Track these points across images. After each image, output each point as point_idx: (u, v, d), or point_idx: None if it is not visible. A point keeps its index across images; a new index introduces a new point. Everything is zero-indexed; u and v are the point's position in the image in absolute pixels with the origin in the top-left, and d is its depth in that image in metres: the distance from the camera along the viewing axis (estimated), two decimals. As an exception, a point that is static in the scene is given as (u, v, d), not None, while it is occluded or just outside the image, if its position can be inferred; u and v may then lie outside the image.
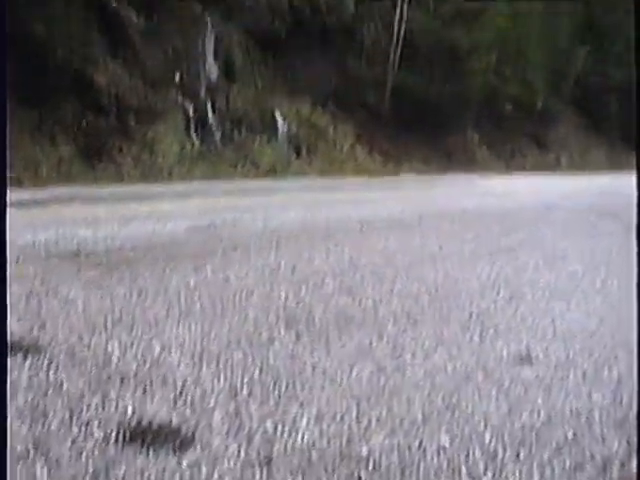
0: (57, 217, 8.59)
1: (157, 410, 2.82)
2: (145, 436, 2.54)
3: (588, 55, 40.24)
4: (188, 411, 2.83)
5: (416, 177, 27.03)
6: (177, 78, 22.73)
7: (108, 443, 2.48)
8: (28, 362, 3.31)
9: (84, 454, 2.38)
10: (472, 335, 4.09)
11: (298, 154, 25.45)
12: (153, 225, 8.37)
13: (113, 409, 2.82)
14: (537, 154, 40.26)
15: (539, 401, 3.08)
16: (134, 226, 8.24)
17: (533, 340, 4.06)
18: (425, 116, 30.98)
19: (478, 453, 2.51)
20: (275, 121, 25.33)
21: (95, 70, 19.05)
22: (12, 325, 3.89)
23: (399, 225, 9.39)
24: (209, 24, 24.14)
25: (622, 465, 2.44)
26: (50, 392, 2.97)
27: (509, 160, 37.48)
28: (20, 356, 3.36)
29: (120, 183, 17.53)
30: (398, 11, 29.44)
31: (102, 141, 18.28)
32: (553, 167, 38.81)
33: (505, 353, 3.78)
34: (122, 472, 2.26)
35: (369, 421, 2.77)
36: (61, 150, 17.43)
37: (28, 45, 16.12)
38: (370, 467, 2.37)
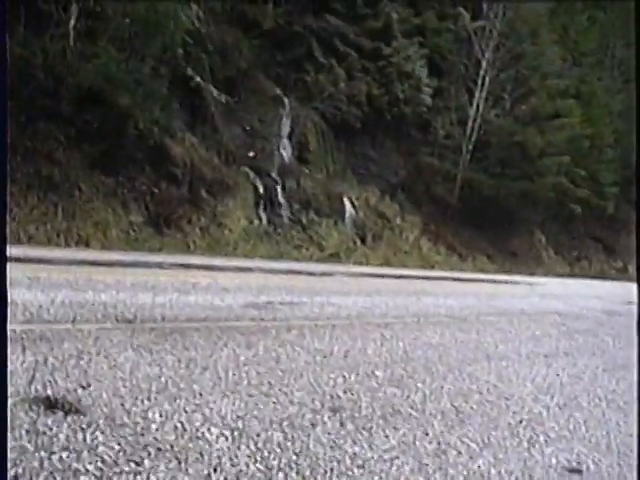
0: (119, 280, 8.73)
1: (189, 485, 2.78)
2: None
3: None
4: (220, 489, 2.78)
5: (479, 273, 26.80)
6: (251, 155, 23.25)
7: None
8: (68, 420, 3.31)
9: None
10: (521, 440, 3.95)
11: (363, 241, 25.54)
12: (212, 297, 8.42)
13: (145, 479, 2.79)
14: (604, 260, 39.64)
15: (585, 518, 2.94)
16: (193, 296, 8.30)
17: (585, 450, 3.91)
18: (493, 213, 30.95)
19: None
20: (343, 206, 25.58)
21: (173, 141, 19.62)
22: (58, 381, 3.93)
23: (457, 320, 9.26)
24: (287, 106, 24.77)
25: None
26: (84, 454, 2.95)
27: (574, 263, 36.96)
28: (61, 414, 3.37)
29: (185, 252, 17.81)
30: (474, 107, 29.76)
31: (172, 210, 18.67)
32: (620, 274, 38.13)
33: (554, 462, 3.64)
34: None
35: (404, 520, 2.67)
36: (132, 216, 17.86)
37: (112, 115, 16.76)
38: None
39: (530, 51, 30.76)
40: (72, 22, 15.77)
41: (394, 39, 27.21)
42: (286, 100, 24.70)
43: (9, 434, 2.97)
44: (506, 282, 21.64)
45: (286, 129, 25.09)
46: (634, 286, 26.60)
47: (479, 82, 29.91)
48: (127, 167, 18.05)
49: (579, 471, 3.55)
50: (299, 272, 15.37)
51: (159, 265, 12.30)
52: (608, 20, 40.71)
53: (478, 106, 29.89)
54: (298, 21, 24.29)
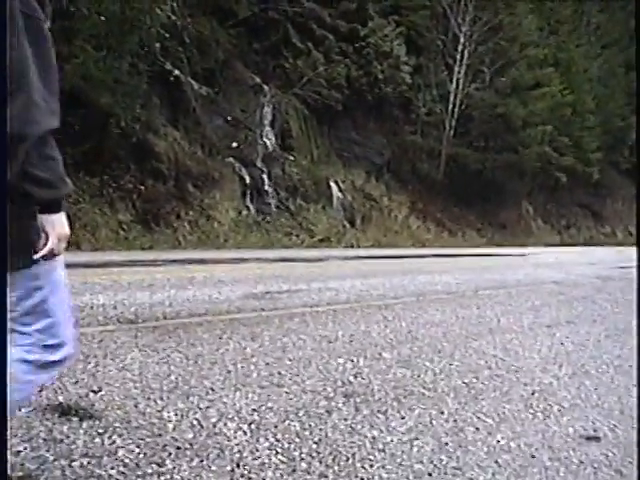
0: (115, 281, 8.69)
1: (214, 482, 2.76)
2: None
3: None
4: (245, 484, 2.77)
5: (470, 247, 26.87)
6: (235, 146, 23.16)
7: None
8: (84, 426, 3.29)
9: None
10: (535, 412, 3.96)
11: (352, 223, 25.53)
12: (210, 290, 8.40)
13: (169, 479, 2.77)
14: (592, 226, 39.81)
15: (611, 485, 2.95)
16: (191, 291, 8.28)
17: (599, 418, 3.92)
18: (479, 187, 31.00)
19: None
20: (330, 190, 25.54)
21: (156, 137, 19.52)
22: (68, 387, 3.90)
23: (456, 296, 9.27)
24: (268, 94, 24.66)
25: None
26: (105, 459, 2.93)
27: (563, 232, 37.11)
28: (76, 420, 3.35)
29: (176, 248, 17.77)
30: (454, 82, 29.73)
31: (160, 206, 18.60)
32: (609, 239, 38.32)
33: (571, 431, 3.65)
34: None
35: (432, 501, 2.67)
36: (120, 215, 17.77)
37: (93, 114, 16.63)
38: None
39: (507, 22, 30.68)
40: (48, 23, 15.58)
41: (370, 19, 27.09)
42: (266, 88, 24.58)
43: (27, 444, 2.95)
44: (498, 255, 21.70)
45: (268, 117, 24.97)
46: (623, 249, 26.74)
47: (458, 57, 29.86)
48: (112, 166, 17.94)
49: (597, 438, 3.56)
50: (293, 259, 15.35)
51: (153, 262, 12.26)
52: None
53: (458, 81, 29.86)
54: (273, 7, 24.14)
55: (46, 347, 2.22)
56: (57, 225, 2.09)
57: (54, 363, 2.25)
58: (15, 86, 1.92)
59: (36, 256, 2.07)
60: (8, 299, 2.03)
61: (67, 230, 2.13)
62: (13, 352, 2.15)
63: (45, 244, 2.07)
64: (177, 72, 20.03)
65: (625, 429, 3.75)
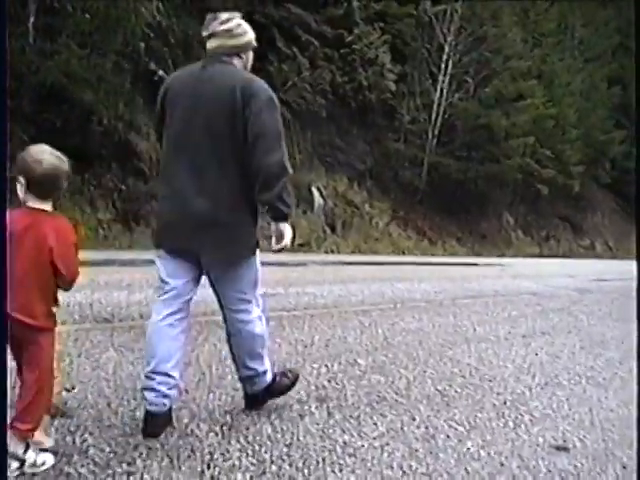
0: (92, 279, 8.64)
1: (184, 483, 2.77)
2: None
3: (624, 139, 40.45)
4: (215, 485, 2.77)
5: (450, 256, 26.97)
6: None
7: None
8: (55, 424, 3.28)
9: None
10: (507, 421, 3.99)
11: (333, 229, 25.54)
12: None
13: (139, 479, 2.77)
14: (571, 238, 40.06)
15: (577, 495, 2.98)
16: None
17: (570, 428, 3.96)
18: (461, 196, 31.12)
19: None
20: (311, 196, 25.53)
21: (138, 137, 19.43)
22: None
23: (433, 305, 9.31)
24: (251, 98, 24.62)
25: None
26: (75, 457, 2.93)
27: (543, 243, 37.33)
28: (47, 418, 3.34)
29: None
30: (438, 91, 29.86)
31: (140, 206, 18.50)
32: (588, 252, 38.59)
33: (541, 440, 3.68)
34: None
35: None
36: (100, 214, 17.66)
37: (75, 112, 16.55)
38: None
39: (491, 34, 30.82)
40: (31, 19, 15.50)
41: (356, 26, 27.11)
42: (250, 91, 24.54)
43: None
44: (477, 264, 21.81)
45: (251, 120, 24.92)
46: (603, 263, 26.94)
47: (442, 66, 29.94)
48: (93, 164, 17.81)
49: (566, 448, 3.60)
50: (271, 263, 15.32)
51: (132, 262, 12.19)
52: (567, 0, 41.03)
53: (442, 90, 29.95)
54: (259, 11, 24.09)
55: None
56: (285, 230, 3.37)
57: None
58: (281, 142, 3.38)
59: (275, 247, 3.41)
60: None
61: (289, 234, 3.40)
62: (252, 314, 3.53)
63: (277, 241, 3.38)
64: (161, 72, 19.90)
65: (595, 440, 3.79)
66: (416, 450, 3.36)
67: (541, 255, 34.31)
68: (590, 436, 3.85)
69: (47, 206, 2.82)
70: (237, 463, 3.00)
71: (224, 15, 3.53)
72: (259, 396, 3.72)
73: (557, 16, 39.91)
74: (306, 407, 3.92)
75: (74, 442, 3.10)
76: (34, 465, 2.73)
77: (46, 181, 2.80)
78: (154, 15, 17.65)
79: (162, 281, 3.43)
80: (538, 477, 3.16)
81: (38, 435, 2.81)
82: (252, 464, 3.01)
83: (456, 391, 4.60)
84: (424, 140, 30.13)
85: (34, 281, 2.70)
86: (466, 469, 3.17)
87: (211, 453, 3.10)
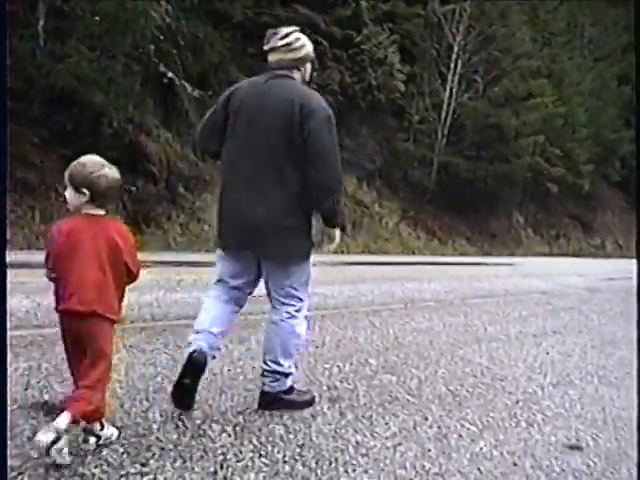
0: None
1: (197, 483, 2.78)
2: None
3: (634, 138, 40.24)
4: (228, 486, 2.78)
5: (459, 256, 26.93)
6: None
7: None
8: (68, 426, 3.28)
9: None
10: (519, 420, 3.99)
11: (343, 229, 25.52)
12: (198, 294, 8.38)
13: (152, 479, 2.78)
14: (581, 237, 39.92)
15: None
16: (179, 294, 8.28)
17: (582, 427, 3.95)
18: (470, 196, 31.07)
19: None
20: (321, 195, 25.50)
21: (148, 139, 19.48)
22: (54, 385, 3.90)
23: (443, 304, 9.30)
24: (260, 99, 24.65)
25: None
26: (89, 457, 2.94)
27: (553, 242, 37.22)
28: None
29: (167, 250, 17.73)
30: (447, 91, 29.80)
31: (151, 208, 18.55)
32: (598, 251, 38.46)
33: (554, 440, 3.67)
34: None
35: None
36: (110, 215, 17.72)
37: (85, 114, 16.59)
38: None
39: (500, 33, 30.76)
40: (41, 22, 15.56)
41: (364, 26, 27.10)
42: (259, 92, 24.57)
43: (11, 442, 2.95)
44: (487, 264, 21.77)
45: (261, 121, 24.95)
46: (613, 262, 26.83)
47: (451, 66, 29.91)
48: (103, 166, 17.90)
49: (579, 448, 3.59)
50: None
51: (142, 264, 12.22)
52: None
53: (451, 90, 29.91)
54: (267, 12, 24.13)
55: None
56: (336, 234, 3.85)
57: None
58: (337, 159, 3.62)
59: (325, 249, 3.93)
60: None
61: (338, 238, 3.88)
62: (300, 312, 3.82)
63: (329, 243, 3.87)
64: (171, 74, 19.99)
65: (608, 439, 3.79)
66: (429, 450, 3.36)
67: (551, 254, 34.23)
68: (603, 435, 3.84)
69: (102, 211, 3.08)
70: (250, 464, 3.01)
71: (284, 30, 3.81)
72: (274, 397, 3.77)
73: (566, 15, 39.82)
74: (318, 407, 3.92)
75: (87, 442, 3.11)
76: (107, 438, 3.09)
77: (110, 193, 3.10)
78: (163, 17, 17.67)
79: (222, 281, 3.85)
80: (551, 476, 3.16)
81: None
82: (265, 464, 3.01)
83: (468, 391, 4.59)
84: (433, 140, 30.10)
85: (113, 280, 3.00)
86: (479, 469, 3.16)
87: (224, 454, 3.10)
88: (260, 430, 3.46)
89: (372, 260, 19.48)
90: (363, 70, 27.21)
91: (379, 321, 7.28)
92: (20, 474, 2.67)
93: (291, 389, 3.85)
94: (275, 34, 3.76)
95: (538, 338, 6.95)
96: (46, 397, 3.70)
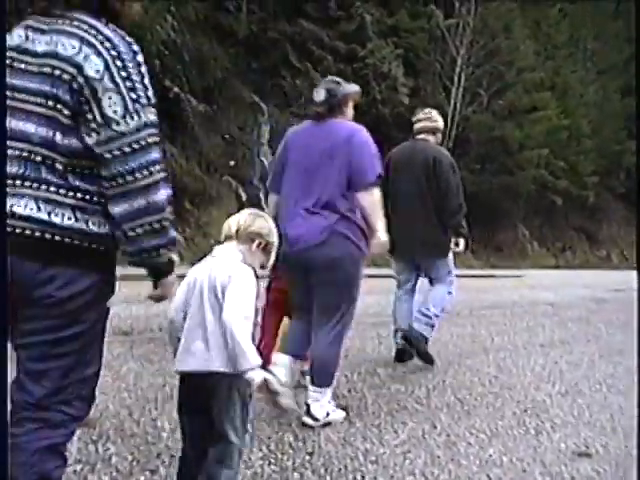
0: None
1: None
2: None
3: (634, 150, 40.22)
4: (238, 492, 2.78)
5: (465, 269, 26.88)
6: (232, 164, 23.18)
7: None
8: (78, 433, 3.29)
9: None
10: (528, 428, 3.98)
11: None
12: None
13: (163, 486, 2.79)
14: (587, 249, 39.84)
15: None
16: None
17: (591, 435, 3.94)
18: (475, 209, 31.00)
19: None
20: (326, 209, 25.51)
21: (153, 154, 19.53)
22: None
23: (450, 315, 9.28)
24: (266, 113, 24.72)
25: None
26: (99, 465, 2.95)
27: (559, 255, 37.15)
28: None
29: (172, 264, 17.76)
30: (452, 104, 29.86)
31: (157, 222, 18.57)
32: (604, 263, 38.37)
33: (563, 447, 3.67)
34: None
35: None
36: (116, 230, 17.76)
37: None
38: None
39: (504, 46, 30.79)
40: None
41: (368, 40, 27.17)
42: (264, 106, 24.60)
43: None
44: (493, 276, 21.73)
45: (265, 135, 24.94)
46: (619, 273, 26.74)
47: (455, 79, 29.93)
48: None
49: (588, 455, 3.58)
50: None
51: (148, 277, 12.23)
52: (578, 13, 40.98)
53: (455, 103, 29.93)
54: (272, 27, 24.25)
55: None
56: (462, 241, 6.03)
57: None
58: (460, 193, 5.88)
59: (455, 250, 6.01)
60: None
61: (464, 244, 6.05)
62: (451, 285, 6.27)
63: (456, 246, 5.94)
64: (176, 89, 20.07)
65: (617, 446, 3.78)
66: (438, 457, 3.36)
67: (557, 266, 34.15)
68: (612, 442, 3.83)
69: None
70: (259, 471, 3.01)
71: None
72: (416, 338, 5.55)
73: (568, 28, 39.90)
74: (327, 416, 3.92)
75: (97, 451, 3.12)
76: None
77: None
78: (169, 33, 17.77)
79: (399, 274, 6.32)
80: (561, 483, 3.16)
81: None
82: (274, 472, 3.02)
83: (476, 399, 4.59)
84: (438, 153, 30.08)
85: None
86: (488, 475, 3.16)
87: (234, 461, 3.10)
88: (269, 438, 3.46)
89: (379, 273, 19.45)
90: (367, 84, 27.24)
91: (386, 332, 7.27)
92: None
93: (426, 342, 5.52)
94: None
95: (546, 348, 6.94)
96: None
